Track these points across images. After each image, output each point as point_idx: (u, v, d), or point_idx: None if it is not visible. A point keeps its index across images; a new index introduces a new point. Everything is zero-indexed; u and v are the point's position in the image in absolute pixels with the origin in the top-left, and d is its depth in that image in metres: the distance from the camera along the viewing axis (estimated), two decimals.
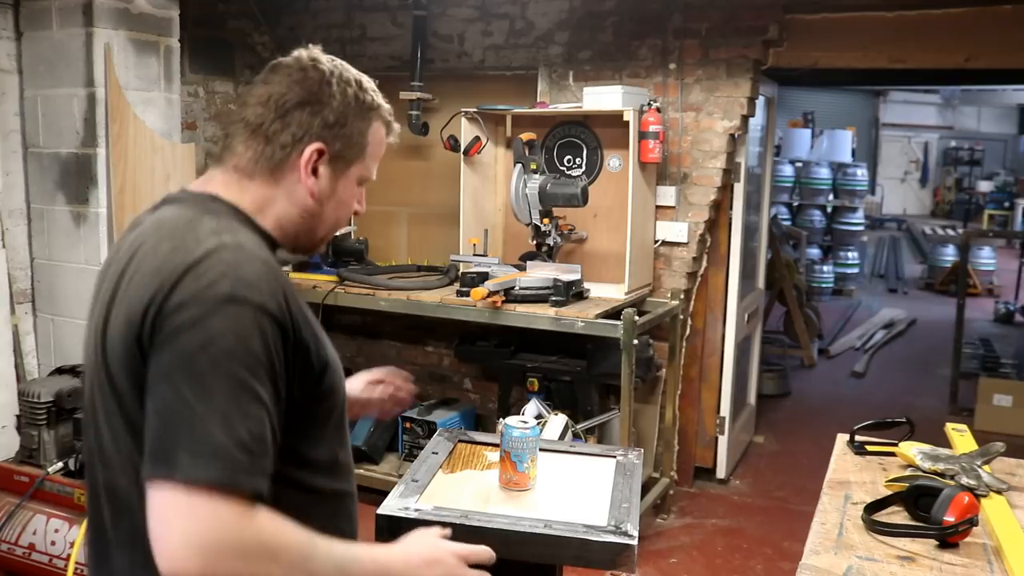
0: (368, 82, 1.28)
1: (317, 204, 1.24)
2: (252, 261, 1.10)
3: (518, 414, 3.67)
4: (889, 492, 1.64)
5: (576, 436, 3.63)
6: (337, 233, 1.39)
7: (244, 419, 1.03)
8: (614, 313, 3.54)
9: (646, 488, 3.89)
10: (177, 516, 1.00)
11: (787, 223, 9.65)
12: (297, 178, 1.22)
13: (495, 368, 4.30)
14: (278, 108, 1.21)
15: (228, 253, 1.10)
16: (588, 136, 4.07)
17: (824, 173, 10.05)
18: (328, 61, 1.25)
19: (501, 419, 3.79)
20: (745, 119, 4.03)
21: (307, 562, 1.09)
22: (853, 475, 1.78)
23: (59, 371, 3.32)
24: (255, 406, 1.05)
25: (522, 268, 3.80)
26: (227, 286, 1.06)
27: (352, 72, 1.27)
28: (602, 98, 3.80)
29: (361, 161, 1.27)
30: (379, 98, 1.28)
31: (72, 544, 2.89)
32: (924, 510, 1.53)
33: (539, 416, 3.68)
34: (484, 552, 1.30)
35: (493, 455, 1.72)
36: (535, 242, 3.84)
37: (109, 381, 1.13)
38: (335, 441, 1.26)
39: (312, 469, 1.22)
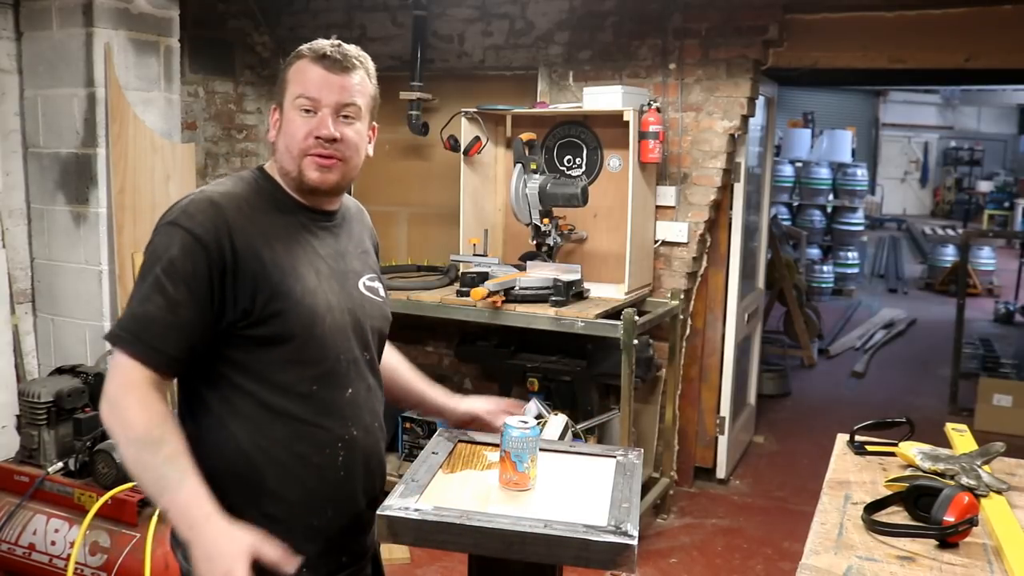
0: (307, 44, 1.54)
1: (276, 144, 1.55)
2: (201, 201, 1.46)
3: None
4: (889, 492, 1.64)
5: (576, 436, 3.63)
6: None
7: (146, 303, 1.41)
8: (614, 313, 3.54)
9: (646, 488, 3.89)
10: None
11: (787, 223, 9.65)
12: (271, 136, 1.58)
13: (495, 368, 4.30)
14: None
15: (191, 196, 1.49)
16: (588, 136, 4.07)
17: (824, 173, 10.05)
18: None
19: None
20: (745, 119, 4.03)
21: (143, 450, 1.37)
22: (853, 475, 1.78)
23: (59, 371, 3.31)
24: (158, 297, 1.40)
25: (522, 268, 3.80)
26: (173, 216, 1.46)
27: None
28: (602, 98, 3.80)
29: (286, 93, 1.53)
30: (304, 46, 1.54)
31: (72, 544, 2.89)
32: (924, 510, 1.53)
33: (539, 416, 3.67)
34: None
35: (493, 455, 1.71)
36: (535, 242, 3.84)
37: None
38: (309, 374, 1.50)
39: (270, 388, 1.48)
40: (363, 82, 1.55)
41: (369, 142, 1.61)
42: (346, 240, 1.64)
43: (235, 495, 1.48)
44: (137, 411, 1.39)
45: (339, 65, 1.51)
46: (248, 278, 1.44)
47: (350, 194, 1.77)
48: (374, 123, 1.62)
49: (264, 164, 1.62)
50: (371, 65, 1.59)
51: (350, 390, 1.57)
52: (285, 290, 1.47)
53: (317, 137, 1.50)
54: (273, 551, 1.35)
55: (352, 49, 1.55)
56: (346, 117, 1.53)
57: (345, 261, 1.62)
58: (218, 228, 1.43)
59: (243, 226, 1.46)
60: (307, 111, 1.50)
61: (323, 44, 1.52)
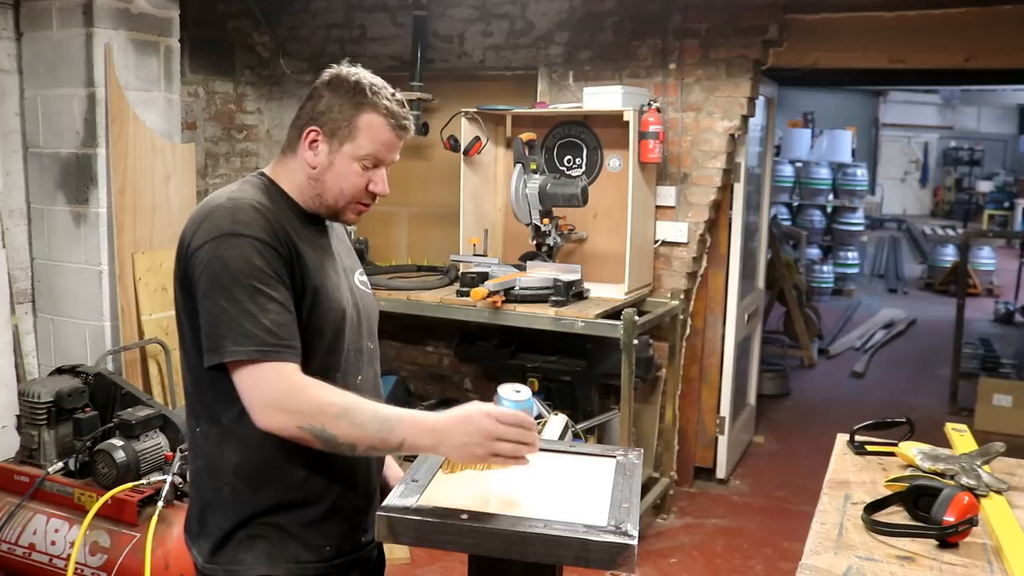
0: (370, 84, 1.57)
1: (318, 173, 1.58)
2: (245, 208, 1.50)
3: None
4: (889, 492, 1.64)
5: (576, 436, 3.63)
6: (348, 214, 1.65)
7: (264, 313, 1.44)
8: (614, 313, 3.54)
9: (646, 488, 3.89)
10: (245, 386, 1.45)
11: (787, 223, 9.65)
12: (304, 152, 1.59)
13: (495, 368, 4.30)
14: (299, 105, 1.62)
15: (229, 204, 1.51)
16: (588, 136, 4.07)
17: (824, 173, 10.05)
18: (340, 68, 1.60)
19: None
20: (745, 119, 4.03)
21: (349, 414, 1.43)
22: (853, 475, 1.78)
23: (59, 371, 3.31)
24: (271, 304, 1.45)
25: (522, 268, 3.80)
26: (228, 227, 1.47)
27: (359, 77, 1.58)
28: (602, 98, 3.80)
29: (352, 141, 1.56)
30: (378, 97, 1.56)
31: (72, 544, 2.89)
32: (924, 510, 1.53)
33: (539, 416, 3.68)
34: (514, 415, 1.44)
35: None
36: (535, 242, 3.84)
37: (176, 316, 1.58)
38: (327, 363, 1.57)
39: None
40: None
41: None
42: (336, 240, 1.72)
43: (267, 486, 1.54)
44: (322, 393, 1.45)
45: (407, 132, 1.60)
46: (298, 273, 1.52)
47: None
48: None
49: (265, 169, 1.66)
50: None
51: (360, 377, 1.66)
52: (319, 284, 1.55)
53: (371, 191, 1.61)
54: (506, 411, 1.45)
55: (408, 106, 1.62)
56: (387, 168, 1.63)
57: (341, 259, 1.70)
58: (272, 227, 1.50)
59: (281, 227, 1.52)
60: (367, 167, 1.58)
61: (399, 110, 1.57)
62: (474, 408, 1.45)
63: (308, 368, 1.52)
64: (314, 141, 1.57)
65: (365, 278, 1.78)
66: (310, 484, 1.56)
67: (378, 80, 1.59)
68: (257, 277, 1.45)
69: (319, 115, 1.56)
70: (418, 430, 1.44)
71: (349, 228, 1.92)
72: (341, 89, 1.56)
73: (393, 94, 1.59)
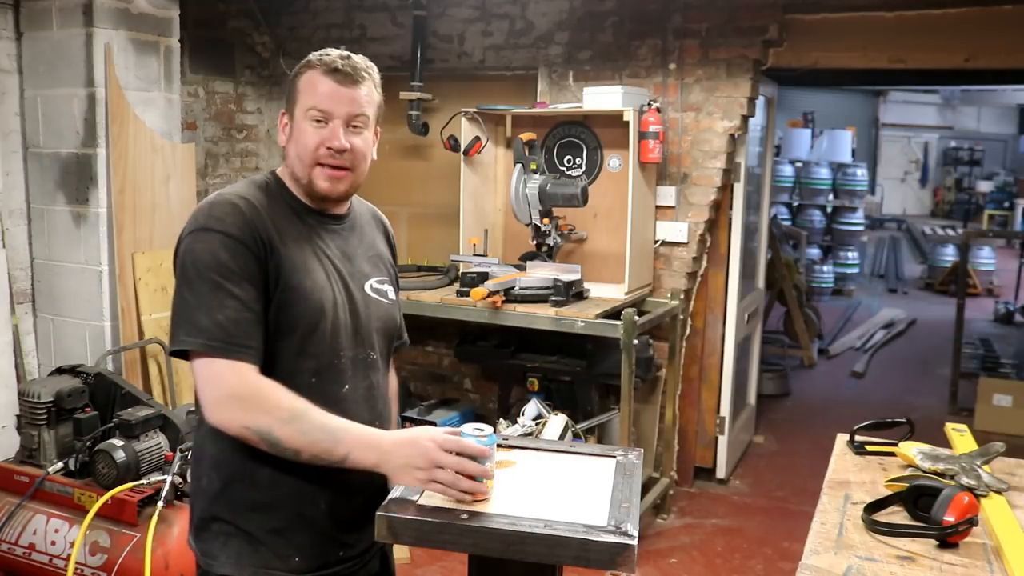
0: (316, 55, 1.58)
1: (287, 150, 1.61)
2: (224, 204, 1.53)
3: (518, 414, 3.68)
4: (889, 492, 1.64)
5: (576, 436, 3.63)
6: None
7: (220, 309, 1.46)
8: (614, 313, 3.54)
9: (646, 488, 3.89)
10: (198, 380, 1.48)
11: (787, 223, 9.65)
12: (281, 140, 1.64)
13: (495, 368, 4.30)
14: None
15: (212, 199, 1.56)
16: (588, 136, 4.07)
17: (824, 173, 10.06)
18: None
19: (501, 419, 3.80)
20: (745, 119, 4.03)
21: (297, 420, 1.44)
22: (853, 475, 1.78)
23: (59, 371, 3.31)
24: (229, 300, 1.46)
25: (522, 268, 3.80)
26: (202, 221, 1.52)
27: (310, 55, 1.60)
28: (602, 98, 3.80)
29: (298, 103, 1.58)
30: (316, 58, 1.58)
31: (72, 544, 2.89)
32: (924, 510, 1.53)
33: (539, 416, 3.68)
34: (460, 444, 1.41)
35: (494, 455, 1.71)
36: (535, 242, 3.84)
37: None
38: (310, 366, 1.56)
39: (272, 376, 1.50)
40: (370, 93, 1.61)
41: (372, 145, 1.65)
42: (356, 243, 1.69)
43: (237, 480, 1.56)
44: (273, 395, 1.46)
45: (349, 79, 1.56)
46: (272, 270, 1.52)
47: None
48: (377, 127, 1.66)
49: (277, 169, 1.67)
50: (377, 75, 1.63)
51: (347, 386, 1.62)
52: (295, 284, 1.53)
53: (328, 148, 1.56)
54: (451, 439, 1.41)
55: (360, 61, 1.60)
56: (355, 127, 1.58)
57: (353, 263, 1.67)
58: (247, 223, 1.51)
59: (261, 224, 1.53)
60: (318, 121, 1.56)
61: (333, 56, 1.57)
62: (422, 431, 1.45)
63: (280, 367, 1.53)
64: (285, 124, 1.61)
65: (386, 287, 1.73)
66: (278, 487, 1.55)
67: (333, 51, 1.60)
68: (220, 272, 1.47)
69: (285, 101, 1.62)
70: (363, 446, 1.44)
71: (391, 233, 1.87)
72: (294, 69, 1.61)
73: (340, 54, 1.58)
